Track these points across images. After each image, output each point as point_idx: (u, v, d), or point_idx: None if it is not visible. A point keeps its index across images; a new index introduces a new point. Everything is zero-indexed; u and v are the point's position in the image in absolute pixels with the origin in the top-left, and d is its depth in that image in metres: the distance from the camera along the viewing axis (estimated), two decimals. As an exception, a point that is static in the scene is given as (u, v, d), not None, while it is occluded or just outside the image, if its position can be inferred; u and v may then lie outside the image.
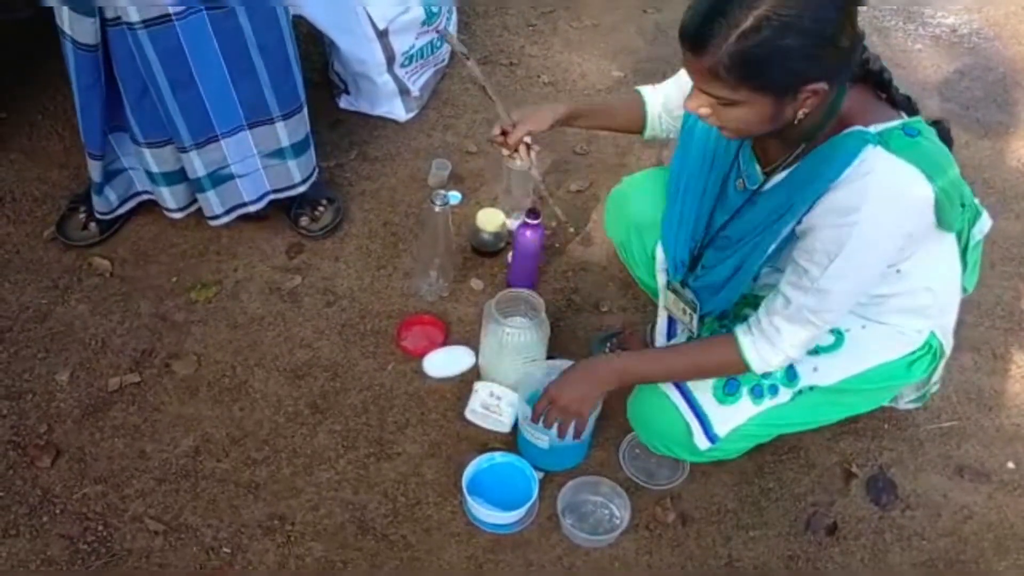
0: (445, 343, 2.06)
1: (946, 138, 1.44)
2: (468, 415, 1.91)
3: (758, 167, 1.51)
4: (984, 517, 1.84)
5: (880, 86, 1.42)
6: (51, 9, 1.80)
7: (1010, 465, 1.93)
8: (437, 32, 2.05)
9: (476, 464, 1.78)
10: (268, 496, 1.79)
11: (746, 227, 1.51)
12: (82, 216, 2.19)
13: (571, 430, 1.65)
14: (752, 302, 1.60)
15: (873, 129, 1.34)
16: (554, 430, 1.65)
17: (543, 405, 1.63)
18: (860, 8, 1.28)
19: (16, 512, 1.73)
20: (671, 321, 1.80)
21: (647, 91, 1.77)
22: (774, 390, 1.59)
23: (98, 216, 2.16)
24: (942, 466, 1.92)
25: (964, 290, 1.64)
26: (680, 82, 1.69)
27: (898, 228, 1.37)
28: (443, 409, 1.95)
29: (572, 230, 2.20)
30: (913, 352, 1.61)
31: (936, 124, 1.44)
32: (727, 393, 1.58)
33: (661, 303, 1.80)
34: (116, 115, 1.96)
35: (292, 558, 1.71)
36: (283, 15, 1.90)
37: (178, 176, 2.06)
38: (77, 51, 1.79)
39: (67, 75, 1.91)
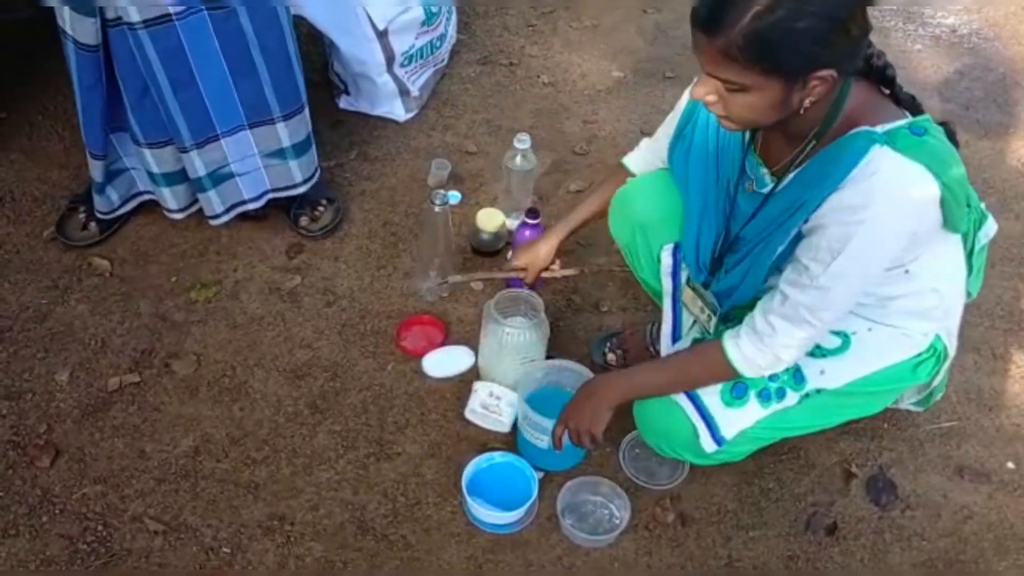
0: (445, 343, 2.06)
1: (952, 139, 1.44)
2: (468, 415, 1.91)
3: (764, 169, 1.51)
4: (984, 517, 1.84)
5: (884, 82, 1.42)
6: (52, 9, 1.80)
7: (1010, 465, 1.93)
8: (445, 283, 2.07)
9: (476, 464, 1.78)
10: (268, 496, 1.79)
11: (760, 229, 1.51)
12: (82, 216, 2.19)
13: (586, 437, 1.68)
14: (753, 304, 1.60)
15: (880, 129, 1.34)
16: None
17: (561, 431, 1.67)
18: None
19: (16, 512, 1.73)
20: (675, 324, 1.79)
21: (631, 161, 1.85)
22: (781, 393, 1.59)
23: (99, 216, 2.16)
24: (942, 466, 1.92)
25: (968, 295, 1.64)
26: (657, 144, 1.78)
27: (904, 228, 1.37)
28: (443, 409, 1.95)
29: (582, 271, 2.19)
30: (919, 354, 1.60)
31: (942, 125, 1.44)
32: (735, 396, 1.58)
33: (665, 307, 1.79)
34: (117, 115, 1.96)
35: (292, 558, 1.71)
36: (284, 15, 1.90)
37: (179, 177, 2.06)
38: (78, 51, 1.79)
39: (68, 75, 1.91)
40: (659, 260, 1.78)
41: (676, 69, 2.83)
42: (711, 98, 1.34)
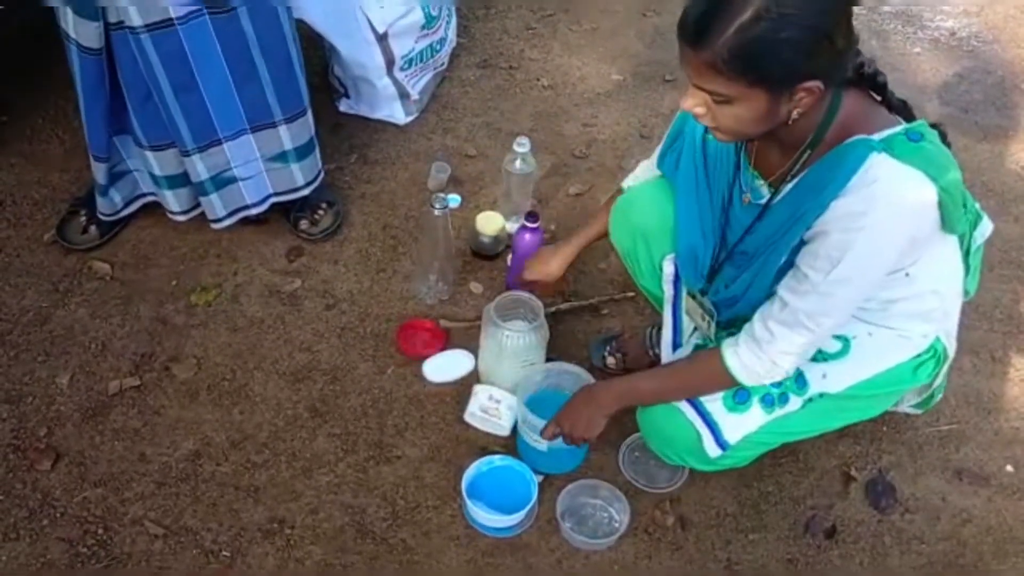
0: (444, 347, 2.06)
1: (944, 142, 1.44)
2: (467, 418, 1.91)
3: (760, 181, 1.52)
4: (983, 520, 1.84)
5: (876, 90, 1.42)
6: (53, 13, 1.80)
7: (1009, 468, 1.93)
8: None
9: (475, 467, 1.78)
10: (268, 499, 1.79)
11: (760, 241, 1.51)
12: (82, 219, 2.19)
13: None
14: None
15: (877, 136, 1.35)
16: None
17: (552, 432, 1.68)
18: (857, 11, 1.29)
19: (16, 515, 1.74)
20: (676, 330, 1.80)
21: (630, 183, 1.86)
22: (784, 398, 1.59)
23: (102, 217, 2.16)
24: (941, 469, 1.92)
25: (966, 293, 1.64)
26: (652, 166, 1.79)
27: (903, 233, 1.37)
28: (442, 412, 1.95)
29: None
30: (919, 356, 1.61)
31: (934, 127, 1.44)
32: (737, 402, 1.59)
33: (666, 313, 1.80)
34: (120, 118, 1.96)
35: (292, 561, 1.71)
36: (286, 18, 1.90)
37: (181, 179, 2.07)
38: (81, 55, 1.80)
39: (68, 79, 1.92)
40: (660, 268, 1.78)
41: (675, 72, 2.83)
42: (699, 110, 1.35)
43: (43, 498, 1.76)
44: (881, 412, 1.76)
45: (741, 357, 1.49)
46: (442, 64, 2.71)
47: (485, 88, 2.76)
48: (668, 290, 1.77)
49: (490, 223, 2.21)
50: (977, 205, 1.54)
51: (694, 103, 1.34)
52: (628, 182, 1.87)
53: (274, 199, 2.17)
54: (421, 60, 2.55)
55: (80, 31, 1.76)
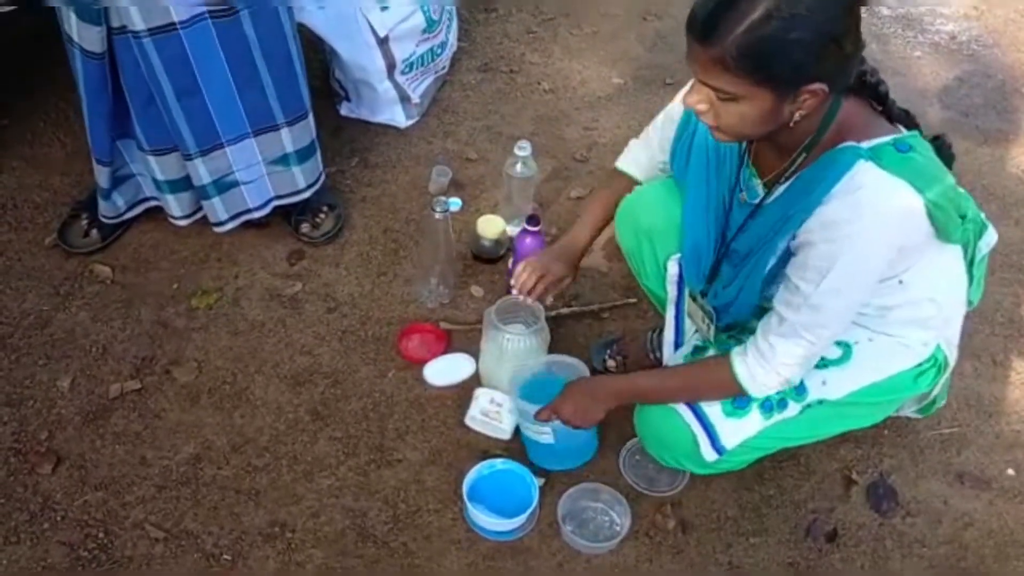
0: (445, 350, 2.06)
1: (946, 152, 1.44)
2: (468, 422, 1.91)
3: (757, 180, 1.52)
4: (985, 524, 1.84)
5: (878, 99, 1.42)
6: (54, 17, 1.81)
7: (1010, 472, 1.93)
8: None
9: (476, 471, 1.78)
10: (269, 503, 1.79)
11: (751, 241, 1.52)
12: (84, 223, 2.19)
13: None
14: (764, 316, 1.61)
15: (866, 145, 1.36)
16: (557, 422, 1.70)
17: (548, 415, 1.68)
18: (861, 16, 1.29)
19: (17, 519, 1.73)
20: (677, 331, 1.80)
21: (627, 165, 1.84)
22: (783, 404, 1.59)
23: (104, 220, 2.17)
24: (942, 473, 1.92)
25: (969, 303, 1.64)
26: (648, 142, 1.79)
27: (889, 241, 1.38)
28: (443, 416, 1.95)
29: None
30: (920, 364, 1.61)
31: (936, 139, 1.44)
32: (736, 407, 1.59)
33: (668, 314, 1.80)
34: (123, 122, 1.97)
35: (292, 565, 1.71)
36: (288, 22, 1.90)
37: (183, 184, 2.07)
38: (85, 59, 1.80)
39: (69, 82, 1.92)
40: (665, 268, 1.78)
41: (676, 76, 2.83)
42: (702, 107, 1.35)
43: (44, 502, 1.76)
44: (880, 420, 1.76)
45: (750, 367, 1.50)
46: (443, 68, 2.71)
47: (486, 92, 2.76)
48: (672, 291, 1.78)
49: (491, 227, 2.22)
50: (982, 215, 1.54)
51: (697, 99, 1.34)
52: (623, 162, 1.85)
53: (276, 202, 2.17)
54: (422, 64, 2.56)
55: (83, 35, 1.76)
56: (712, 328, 1.66)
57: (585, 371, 1.80)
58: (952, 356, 1.65)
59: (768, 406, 1.59)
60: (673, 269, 1.76)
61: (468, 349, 2.05)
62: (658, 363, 1.88)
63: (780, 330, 1.45)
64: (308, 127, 2.08)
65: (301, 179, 2.15)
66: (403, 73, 2.51)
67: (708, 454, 1.60)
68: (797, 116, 1.33)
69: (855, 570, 1.76)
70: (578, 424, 1.68)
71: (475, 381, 1.99)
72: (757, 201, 1.51)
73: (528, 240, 2.06)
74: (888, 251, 1.39)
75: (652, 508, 1.81)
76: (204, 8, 1.76)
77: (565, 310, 2.12)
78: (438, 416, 1.95)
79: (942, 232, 1.41)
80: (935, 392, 1.70)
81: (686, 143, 1.64)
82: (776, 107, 1.31)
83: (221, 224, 2.14)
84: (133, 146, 2.03)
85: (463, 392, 1.97)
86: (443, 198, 2.05)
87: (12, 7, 2.09)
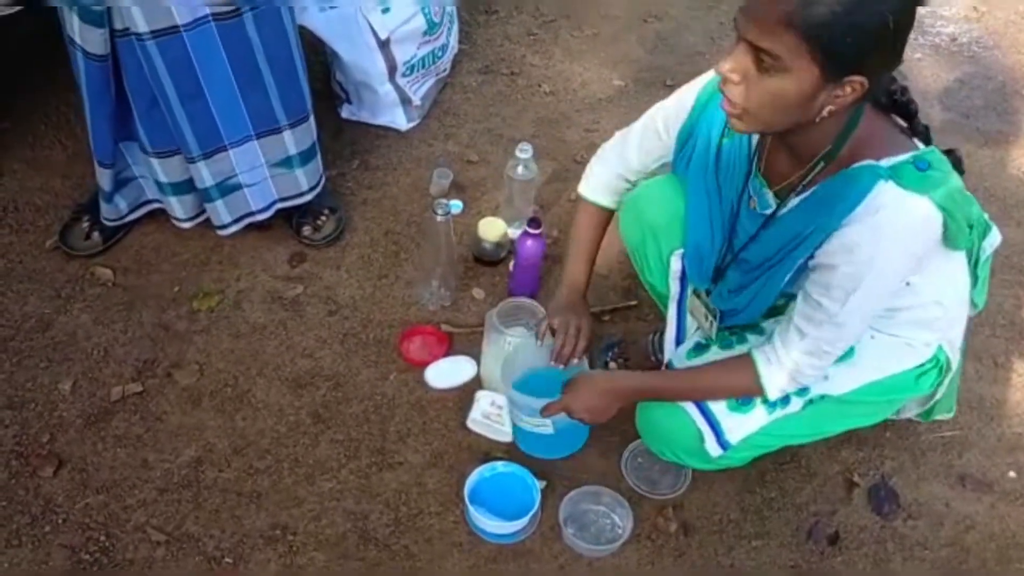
0: (447, 353, 2.06)
1: (957, 167, 1.44)
2: (469, 424, 1.91)
3: (767, 189, 1.51)
4: (986, 527, 1.84)
5: (906, 117, 1.43)
6: (57, 19, 1.81)
7: (1012, 475, 1.93)
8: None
9: (478, 473, 1.78)
10: (270, 506, 1.79)
11: (765, 252, 1.51)
12: (85, 226, 2.19)
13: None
14: (769, 314, 1.61)
15: (885, 163, 1.34)
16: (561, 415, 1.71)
17: (556, 410, 1.68)
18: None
19: (18, 522, 1.74)
20: (679, 328, 1.80)
21: (598, 195, 1.81)
22: (786, 400, 1.60)
23: (106, 222, 2.17)
24: (944, 475, 1.92)
25: (975, 306, 1.65)
26: (619, 162, 1.75)
27: (911, 253, 1.39)
28: (445, 419, 1.95)
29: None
30: (922, 365, 1.61)
31: (948, 153, 1.44)
32: (740, 403, 1.59)
33: (670, 311, 1.80)
34: (126, 124, 1.96)
35: (294, 568, 1.71)
36: (290, 24, 1.90)
37: (186, 186, 2.07)
38: (87, 61, 1.80)
39: (71, 85, 1.92)
40: (668, 264, 1.78)
41: (676, 78, 2.83)
42: (735, 76, 1.27)
43: (45, 504, 1.76)
44: (881, 420, 1.76)
45: (773, 376, 1.52)
46: (444, 70, 2.72)
47: (487, 94, 2.77)
48: (674, 287, 1.78)
49: (492, 229, 2.22)
50: (986, 216, 1.54)
51: (732, 67, 1.27)
52: (588, 189, 1.82)
53: (279, 204, 2.17)
54: (423, 66, 2.56)
55: (86, 37, 1.76)
56: (715, 326, 1.66)
57: (584, 365, 1.79)
58: (954, 358, 1.66)
59: (772, 402, 1.59)
60: (676, 265, 1.76)
61: (469, 351, 2.05)
62: (659, 365, 1.88)
63: (803, 346, 1.47)
64: (310, 129, 2.08)
65: (304, 181, 2.15)
66: (404, 75, 2.51)
67: (713, 449, 1.61)
68: (825, 112, 1.28)
69: (857, 573, 1.76)
70: (590, 421, 1.68)
71: (476, 383, 1.99)
72: (769, 212, 1.50)
73: (529, 242, 2.06)
74: (909, 261, 1.40)
75: (654, 511, 1.81)
76: (207, 10, 1.77)
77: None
78: (439, 419, 1.95)
79: (951, 241, 1.41)
80: (938, 396, 1.70)
81: (687, 154, 1.63)
82: (814, 91, 1.25)
83: (225, 227, 2.14)
84: (136, 148, 2.03)
85: (464, 394, 1.97)
86: (444, 200, 2.05)
87: (17, 8, 2.09)
